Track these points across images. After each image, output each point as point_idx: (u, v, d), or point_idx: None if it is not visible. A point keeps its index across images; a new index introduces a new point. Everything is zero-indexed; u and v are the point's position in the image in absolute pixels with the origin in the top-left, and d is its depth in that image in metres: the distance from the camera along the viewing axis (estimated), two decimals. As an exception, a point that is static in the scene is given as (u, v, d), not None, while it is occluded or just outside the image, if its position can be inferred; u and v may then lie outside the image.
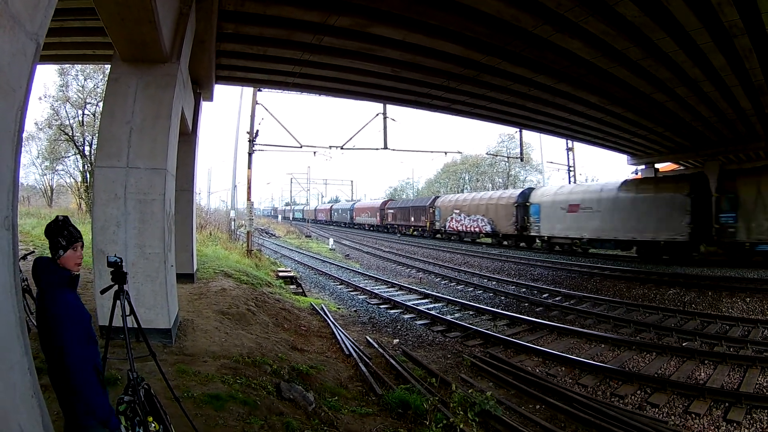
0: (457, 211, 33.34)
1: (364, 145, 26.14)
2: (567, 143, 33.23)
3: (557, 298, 14.48)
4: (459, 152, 50.11)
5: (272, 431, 4.60)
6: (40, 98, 25.99)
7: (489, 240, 31.09)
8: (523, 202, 26.97)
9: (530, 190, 28.72)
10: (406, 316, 12.35)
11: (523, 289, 16.07)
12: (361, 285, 16.85)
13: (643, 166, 25.43)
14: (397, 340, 10.20)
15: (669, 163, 26.89)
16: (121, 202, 6.28)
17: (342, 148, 24.64)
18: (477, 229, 31.32)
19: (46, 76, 61.64)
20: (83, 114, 26.17)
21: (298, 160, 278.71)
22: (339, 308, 13.45)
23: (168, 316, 6.45)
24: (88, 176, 25.63)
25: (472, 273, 19.85)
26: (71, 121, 26.34)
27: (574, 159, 34.13)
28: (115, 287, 3.32)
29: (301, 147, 23.95)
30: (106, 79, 8.21)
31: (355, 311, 13.14)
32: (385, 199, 53.51)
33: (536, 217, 25.75)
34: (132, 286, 6.02)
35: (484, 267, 21.57)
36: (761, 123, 15.90)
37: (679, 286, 14.63)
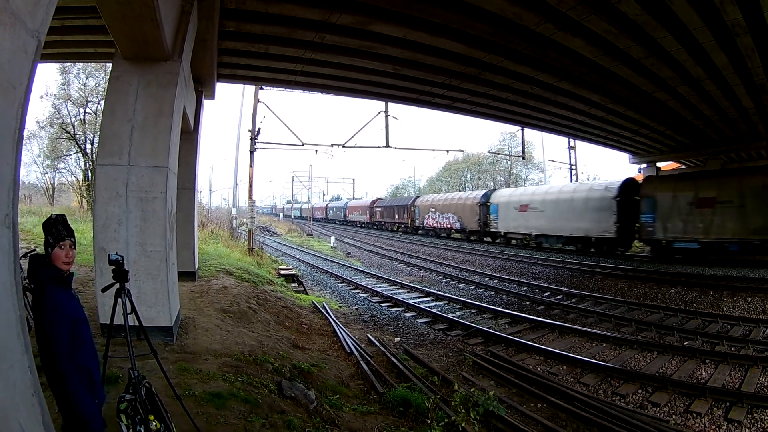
0: (433, 210, 37.10)
1: (366, 143, 26.33)
2: (569, 142, 33.14)
3: (558, 297, 14.47)
4: (461, 150, 49.95)
5: (274, 429, 4.61)
6: (41, 96, 26.04)
7: (459, 235, 34.61)
8: (485, 203, 30.62)
9: (492, 191, 32.86)
10: (408, 315, 12.35)
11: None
12: (362, 283, 16.88)
13: (644, 165, 25.38)
14: (399, 339, 10.21)
15: (671, 162, 26.83)
16: (123, 200, 6.28)
17: (344, 147, 24.70)
18: (449, 226, 34.97)
19: (48, 75, 61.70)
20: (85, 112, 26.18)
21: (300, 158, 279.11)
22: (340, 306, 13.46)
23: (169, 314, 6.45)
24: (90, 174, 25.67)
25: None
26: (73, 120, 26.35)
27: (575, 157, 34.07)
28: (117, 285, 3.33)
29: (302, 145, 23.98)
30: (108, 77, 8.20)
31: (357, 309, 13.15)
32: (374, 198, 56.60)
33: (495, 216, 29.54)
34: (133, 284, 6.03)
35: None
36: (763, 122, 15.86)
37: (680, 285, 14.61)
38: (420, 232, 39.27)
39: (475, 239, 32.07)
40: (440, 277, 19.06)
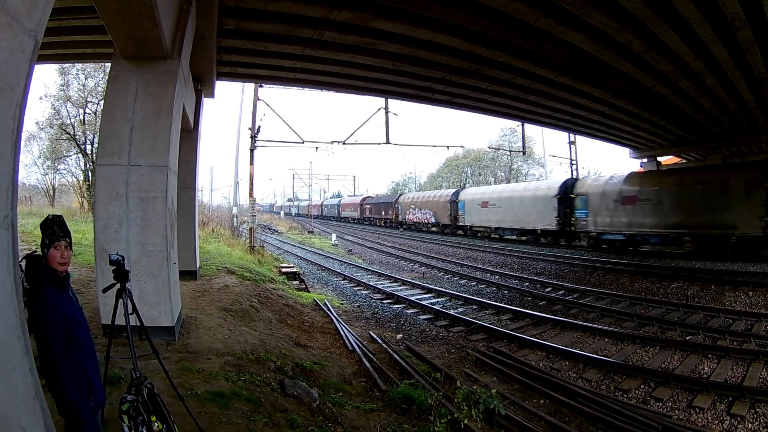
0: (413, 207, 41.38)
1: (367, 140, 26.39)
2: (569, 137, 33.01)
3: (560, 292, 14.47)
4: (461, 146, 50.31)
5: (276, 428, 4.61)
6: (41, 98, 26.01)
7: (435, 229, 38.56)
8: (455, 200, 34.58)
9: (460, 189, 37.41)
10: (410, 311, 12.37)
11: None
12: (363, 280, 16.89)
13: (645, 159, 25.28)
14: (401, 335, 10.21)
15: (671, 157, 26.75)
16: (123, 200, 6.28)
17: (344, 143, 24.66)
18: (426, 221, 39.22)
19: (47, 76, 61.53)
20: (84, 113, 26.13)
21: (301, 155, 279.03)
22: (342, 303, 13.46)
23: (171, 313, 6.45)
24: (90, 175, 25.64)
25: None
26: (72, 120, 26.31)
27: (576, 152, 33.96)
28: (118, 285, 3.32)
29: (303, 142, 23.96)
30: (107, 77, 8.19)
31: (359, 306, 13.16)
32: (364, 196, 60.26)
33: (462, 211, 33.61)
34: (135, 283, 6.02)
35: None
36: (764, 116, 15.78)
37: (682, 279, 14.60)
38: (403, 226, 43.19)
39: (448, 232, 35.76)
40: (441, 274, 19.15)
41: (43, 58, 11.35)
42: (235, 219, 29.41)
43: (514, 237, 28.70)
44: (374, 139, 24.82)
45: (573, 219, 24.06)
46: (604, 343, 9.42)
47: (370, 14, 9.10)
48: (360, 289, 15.74)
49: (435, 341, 9.92)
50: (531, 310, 12.05)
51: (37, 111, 53.17)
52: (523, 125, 28.47)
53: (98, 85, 25.17)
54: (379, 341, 9.35)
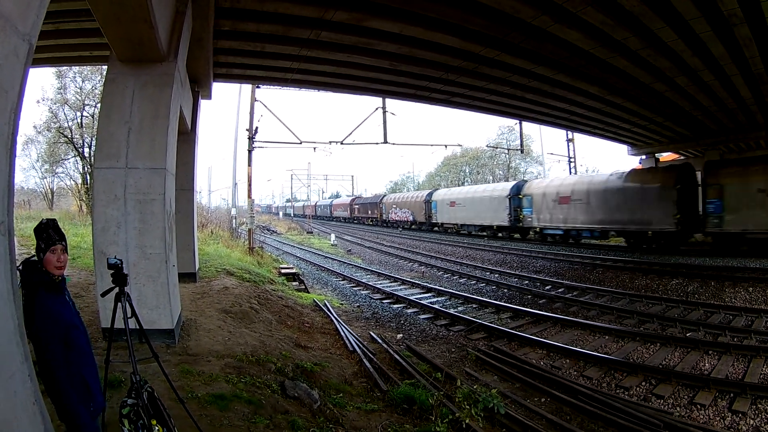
0: (395, 207, 45.57)
1: (364, 140, 26.41)
2: (567, 134, 33.16)
3: (560, 290, 14.47)
4: (459, 145, 50.38)
5: (278, 430, 4.60)
6: (38, 101, 26.02)
7: (413, 226, 42.31)
8: (429, 200, 38.88)
9: (434, 191, 41.56)
10: (410, 311, 12.36)
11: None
12: (363, 280, 16.86)
13: (644, 156, 25.33)
14: (401, 335, 10.20)
15: (670, 153, 26.81)
16: (121, 202, 6.26)
17: (342, 144, 24.66)
18: (405, 219, 43.27)
19: (44, 79, 61.44)
20: (82, 116, 26.12)
21: (299, 156, 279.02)
22: (342, 304, 13.45)
23: (170, 316, 6.44)
24: (88, 178, 25.60)
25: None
26: (70, 124, 26.31)
27: (574, 150, 34.08)
28: (116, 289, 3.31)
29: (300, 143, 23.93)
30: (104, 79, 8.17)
31: (358, 306, 13.15)
32: (353, 197, 64.89)
33: (435, 210, 37.76)
34: (134, 286, 6.01)
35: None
36: (761, 112, 15.81)
37: (681, 276, 14.61)
38: (386, 225, 47.32)
39: (424, 228, 40.29)
40: (441, 273, 19.17)
41: (39, 62, 11.32)
42: (233, 220, 29.38)
43: (476, 232, 32.90)
44: (372, 139, 25.07)
45: (521, 216, 27.77)
46: (605, 341, 9.42)
47: (366, 14, 9.09)
48: (360, 289, 15.73)
49: (435, 340, 9.92)
50: (531, 308, 12.06)
51: (34, 114, 53.13)
52: (520, 123, 28.58)
53: (95, 88, 25.16)
54: (380, 341, 9.34)
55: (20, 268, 2.57)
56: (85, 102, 25.77)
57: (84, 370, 2.67)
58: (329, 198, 79.58)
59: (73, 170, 28.61)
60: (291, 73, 12.78)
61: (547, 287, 15.08)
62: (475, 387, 5.98)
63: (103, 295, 3.42)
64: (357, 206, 56.90)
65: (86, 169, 26.23)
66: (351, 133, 24.52)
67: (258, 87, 21.07)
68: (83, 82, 25.73)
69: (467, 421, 5.25)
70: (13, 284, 2.15)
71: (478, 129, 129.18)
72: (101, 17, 5.63)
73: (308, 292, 14.80)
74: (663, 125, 18.93)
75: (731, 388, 6.78)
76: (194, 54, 8.73)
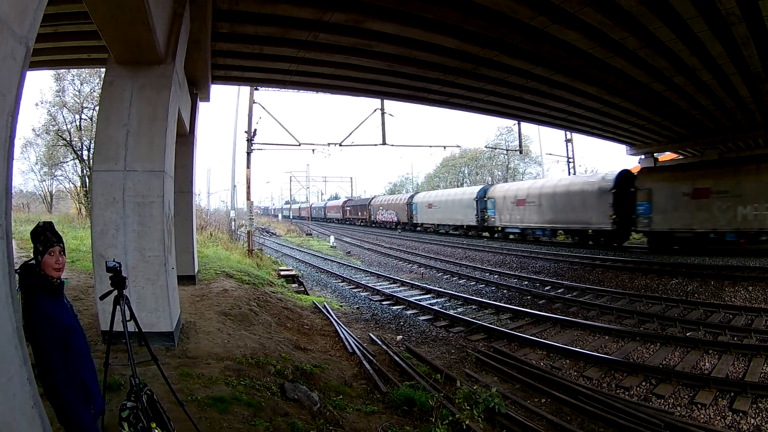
0: (382, 208, 49.17)
1: (363, 142, 26.52)
2: (566, 134, 33.21)
3: (560, 291, 14.47)
4: (458, 146, 50.51)
5: (277, 432, 4.58)
6: (36, 104, 26.01)
7: (398, 227, 45.47)
8: (410, 202, 42.66)
9: (414, 194, 45.23)
10: (409, 312, 12.35)
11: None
12: (362, 282, 16.86)
13: (642, 156, 25.32)
14: (401, 337, 10.19)
15: (669, 153, 26.79)
16: (120, 205, 6.25)
17: (341, 145, 24.66)
18: (390, 220, 47.08)
19: (42, 82, 61.53)
20: (80, 118, 26.06)
21: (298, 158, 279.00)
22: (341, 306, 13.44)
23: (170, 318, 6.43)
24: (87, 181, 25.58)
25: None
26: (69, 127, 26.27)
27: (573, 150, 34.13)
28: (115, 292, 3.30)
29: (299, 145, 23.91)
30: (102, 82, 8.16)
31: (358, 308, 13.13)
32: (345, 199, 68.10)
33: (416, 212, 41.55)
34: (133, 289, 6.01)
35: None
36: (760, 111, 15.82)
37: (681, 275, 14.62)
38: (374, 225, 51.00)
39: (407, 228, 43.59)
40: (440, 274, 19.16)
41: (37, 65, 11.32)
42: (233, 222, 29.36)
43: (450, 231, 36.04)
44: (371, 141, 25.01)
45: (487, 216, 31.17)
46: (605, 341, 9.41)
47: (364, 15, 9.09)
48: (359, 291, 15.72)
49: (435, 342, 9.91)
50: (530, 309, 12.05)
51: (33, 117, 53.30)
52: (519, 124, 28.61)
53: (94, 91, 25.11)
54: (379, 343, 9.33)
55: (18, 271, 2.56)
56: (84, 105, 25.75)
57: (83, 373, 2.66)
58: (325, 200, 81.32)
59: (72, 173, 28.66)
60: (290, 75, 12.78)
61: (547, 288, 15.07)
62: (475, 388, 5.98)
63: (102, 298, 3.42)
64: (348, 208, 60.84)
65: (85, 171, 26.21)
66: (349, 135, 24.51)
67: (257, 89, 21.05)
68: (82, 84, 25.73)
69: (467, 422, 5.23)
70: (12, 287, 2.15)
71: (476, 130, 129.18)
72: (99, 19, 5.63)
73: (308, 294, 14.80)
74: (661, 125, 18.94)
75: (732, 387, 6.78)
76: (192, 56, 8.72)
